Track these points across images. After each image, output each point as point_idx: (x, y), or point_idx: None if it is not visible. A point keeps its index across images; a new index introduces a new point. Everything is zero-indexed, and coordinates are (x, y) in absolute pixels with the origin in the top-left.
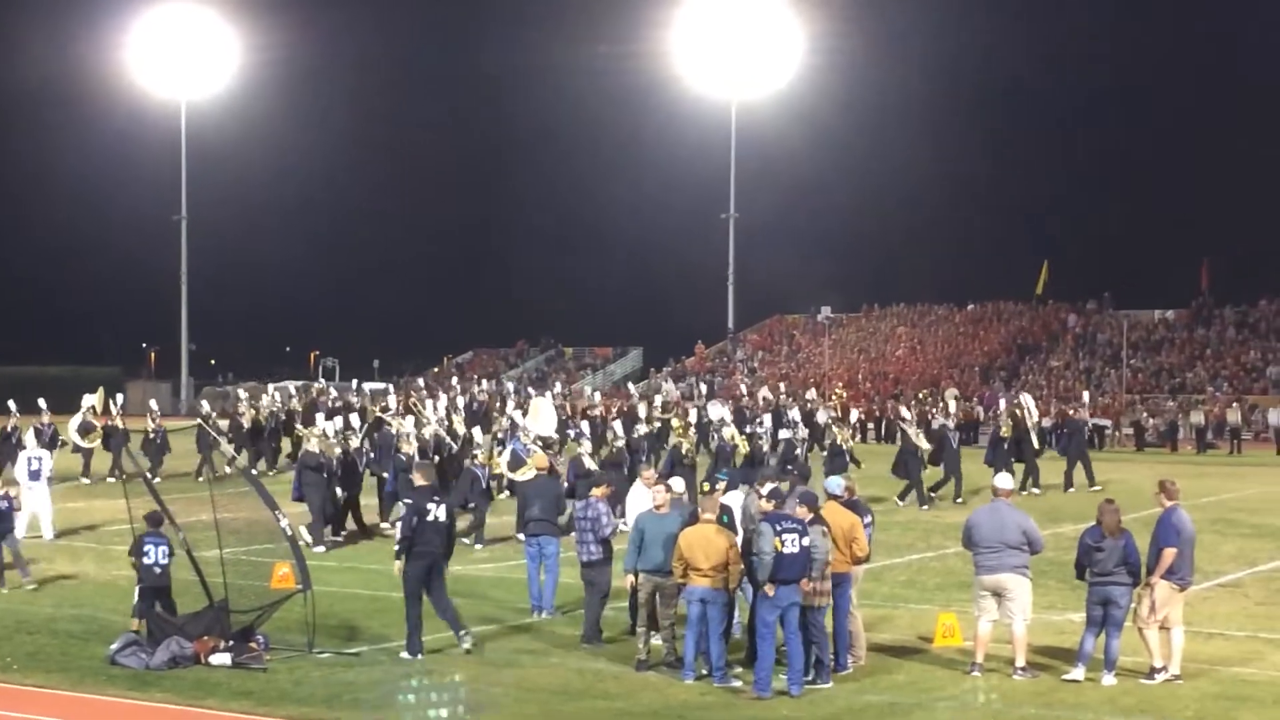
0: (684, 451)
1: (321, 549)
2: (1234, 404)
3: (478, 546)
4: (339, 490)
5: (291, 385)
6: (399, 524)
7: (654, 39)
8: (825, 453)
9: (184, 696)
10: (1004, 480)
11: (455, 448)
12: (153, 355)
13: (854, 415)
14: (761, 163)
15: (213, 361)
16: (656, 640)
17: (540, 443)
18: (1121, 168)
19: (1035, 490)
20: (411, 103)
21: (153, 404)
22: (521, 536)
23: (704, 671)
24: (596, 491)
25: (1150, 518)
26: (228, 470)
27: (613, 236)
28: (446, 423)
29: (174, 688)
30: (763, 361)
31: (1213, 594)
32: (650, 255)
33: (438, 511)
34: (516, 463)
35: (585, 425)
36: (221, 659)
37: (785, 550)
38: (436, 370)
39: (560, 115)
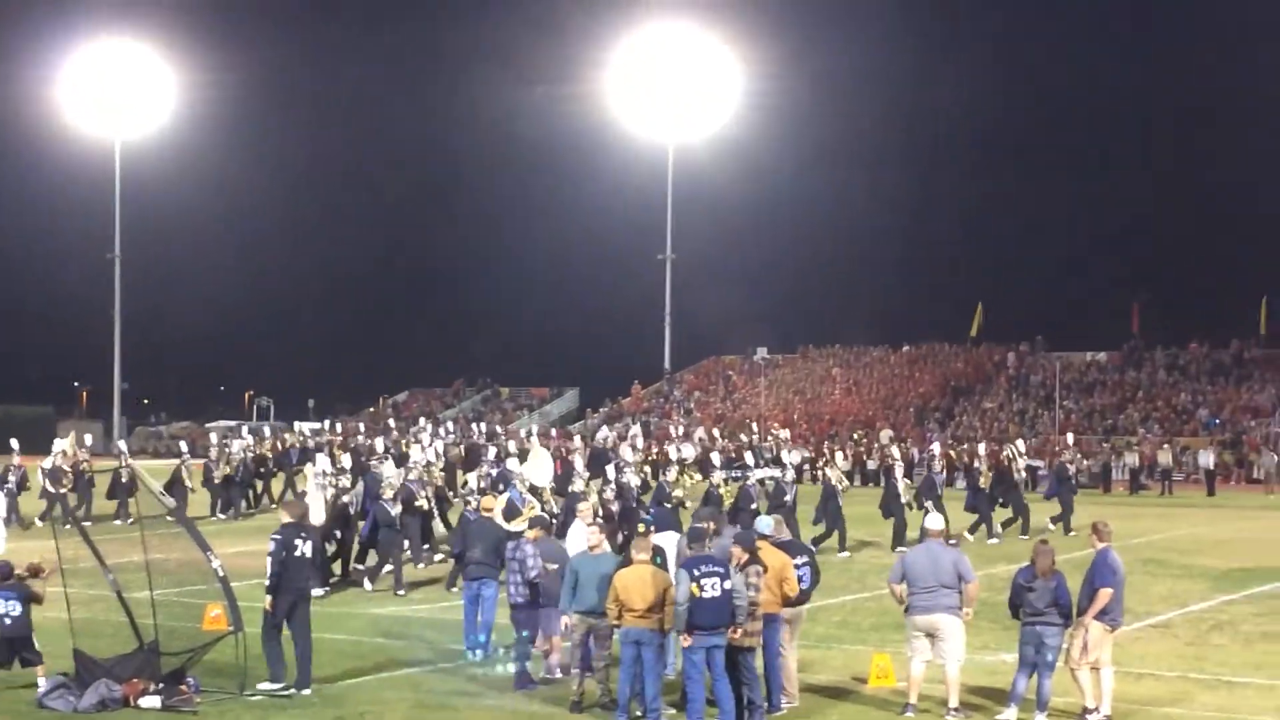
0: (670, 491)
1: (321, 592)
2: (1165, 445)
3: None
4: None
5: (266, 427)
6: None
7: (593, 80)
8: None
9: None
10: (934, 521)
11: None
12: (84, 394)
13: (840, 458)
14: (699, 204)
15: (146, 401)
16: (591, 681)
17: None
18: (1055, 211)
19: (1023, 536)
20: (348, 143)
21: (121, 444)
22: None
23: (638, 713)
24: (529, 534)
25: (1082, 558)
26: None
27: (549, 277)
28: (430, 470)
29: None
30: (698, 402)
31: (1143, 634)
32: (587, 296)
33: (305, 548)
34: (512, 512)
35: (578, 464)
36: (151, 702)
37: (705, 595)
38: (373, 410)
39: (497, 155)
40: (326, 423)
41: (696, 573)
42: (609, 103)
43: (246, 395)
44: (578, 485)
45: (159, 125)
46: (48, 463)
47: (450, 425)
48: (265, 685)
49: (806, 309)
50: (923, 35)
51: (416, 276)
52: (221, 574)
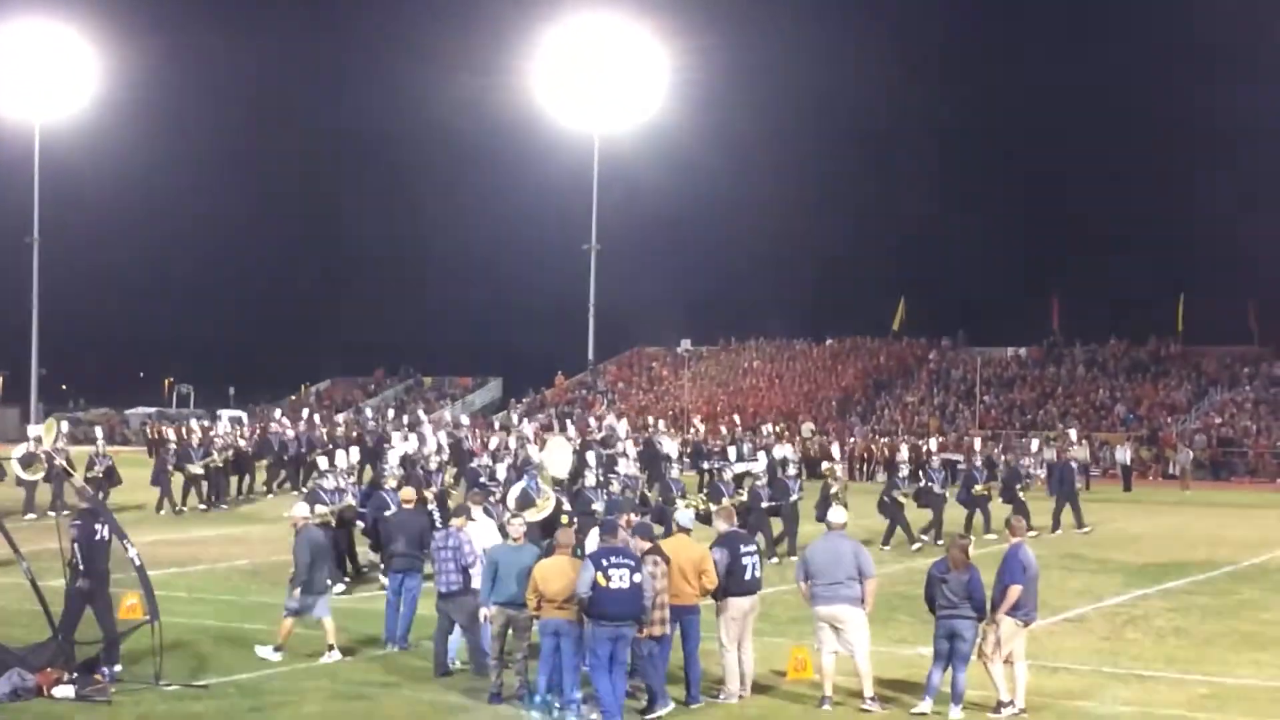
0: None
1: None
2: (1083, 441)
3: None
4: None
5: (244, 415)
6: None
7: (518, 69)
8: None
9: None
10: (837, 514)
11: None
12: (1, 379)
13: (836, 451)
14: (623, 195)
15: (64, 386)
16: (509, 673)
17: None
18: (977, 206)
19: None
20: (271, 130)
21: (98, 431)
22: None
23: (557, 705)
24: (456, 522)
25: (1000, 552)
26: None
27: (473, 266)
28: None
29: None
30: (621, 393)
31: (1059, 628)
32: (511, 285)
33: (104, 532)
34: (526, 501)
35: (591, 457)
36: (65, 691)
37: (612, 586)
38: (294, 398)
39: (422, 143)
40: (342, 416)
41: (605, 563)
42: (534, 93)
43: (166, 382)
44: (590, 480)
45: (79, 108)
46: (20, 450)
47: (422, 414)
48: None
49: (730, 301)
50: (847, 29)
51: (338, 264)
52: (138, 563)
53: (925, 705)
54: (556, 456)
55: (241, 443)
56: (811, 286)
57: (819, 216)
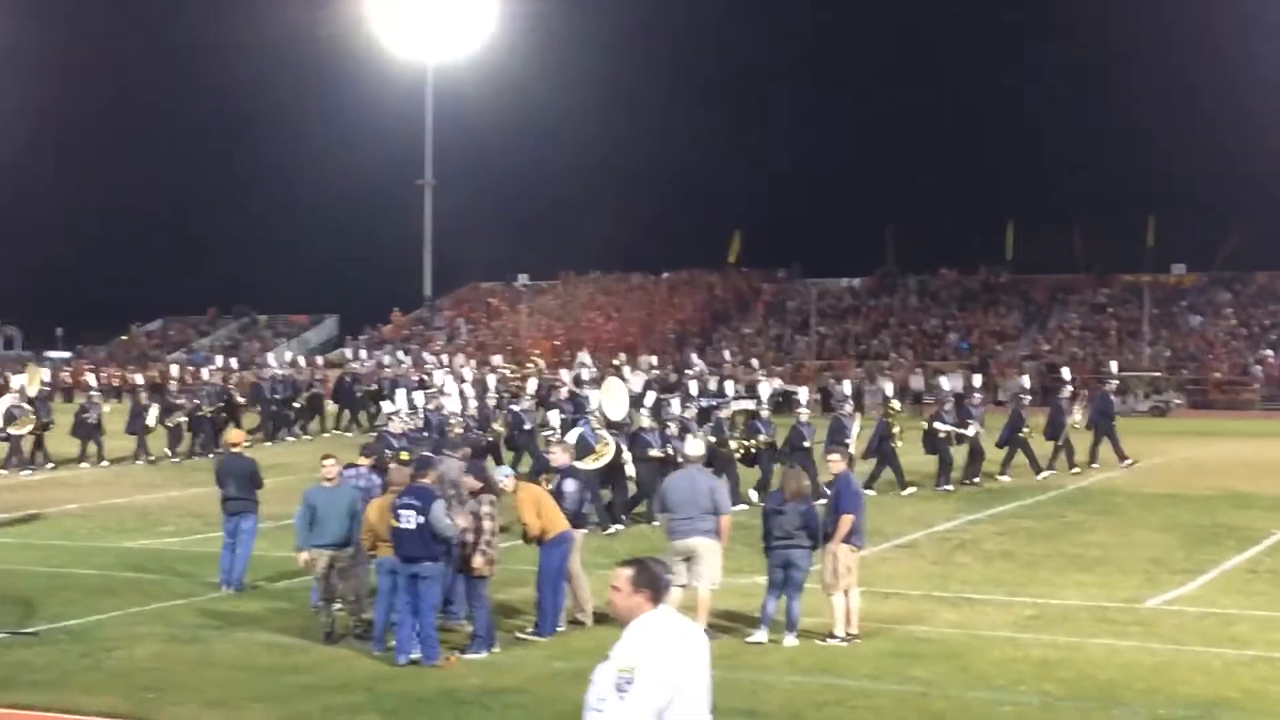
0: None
1: None
2: (917, 370)
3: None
4: None
5: (234, 361)
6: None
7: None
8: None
9: None
10: (694, 447)
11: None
12: None
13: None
14: (458, 128)
15: None
16: (341, 613)
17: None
18: (811, 138)
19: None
20: (97, 66)
21: (90, 379)
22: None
23: (394, 642)
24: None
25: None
26: None
27: (306, 202)
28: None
29: None
30: (458, 330)
31: (891, 555)
32: (344, 221)
33: None
34: (585, 449)
35: (646, 399)
36: None
37: (400, 526)
38: (125, 338)
39: (251, 79)
40: (397, 356)
41: (396, 504)
42: (366, 23)
43: None
44: (644, 421)
45: None
46: (3, 404)
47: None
48: None
49: (566, 235)
50: None
51: (165, 198)
52: None
53: (760, 634)
54: (614, 399)
55: (237, 396)
56: (648, 219)
57: (654, 149)
